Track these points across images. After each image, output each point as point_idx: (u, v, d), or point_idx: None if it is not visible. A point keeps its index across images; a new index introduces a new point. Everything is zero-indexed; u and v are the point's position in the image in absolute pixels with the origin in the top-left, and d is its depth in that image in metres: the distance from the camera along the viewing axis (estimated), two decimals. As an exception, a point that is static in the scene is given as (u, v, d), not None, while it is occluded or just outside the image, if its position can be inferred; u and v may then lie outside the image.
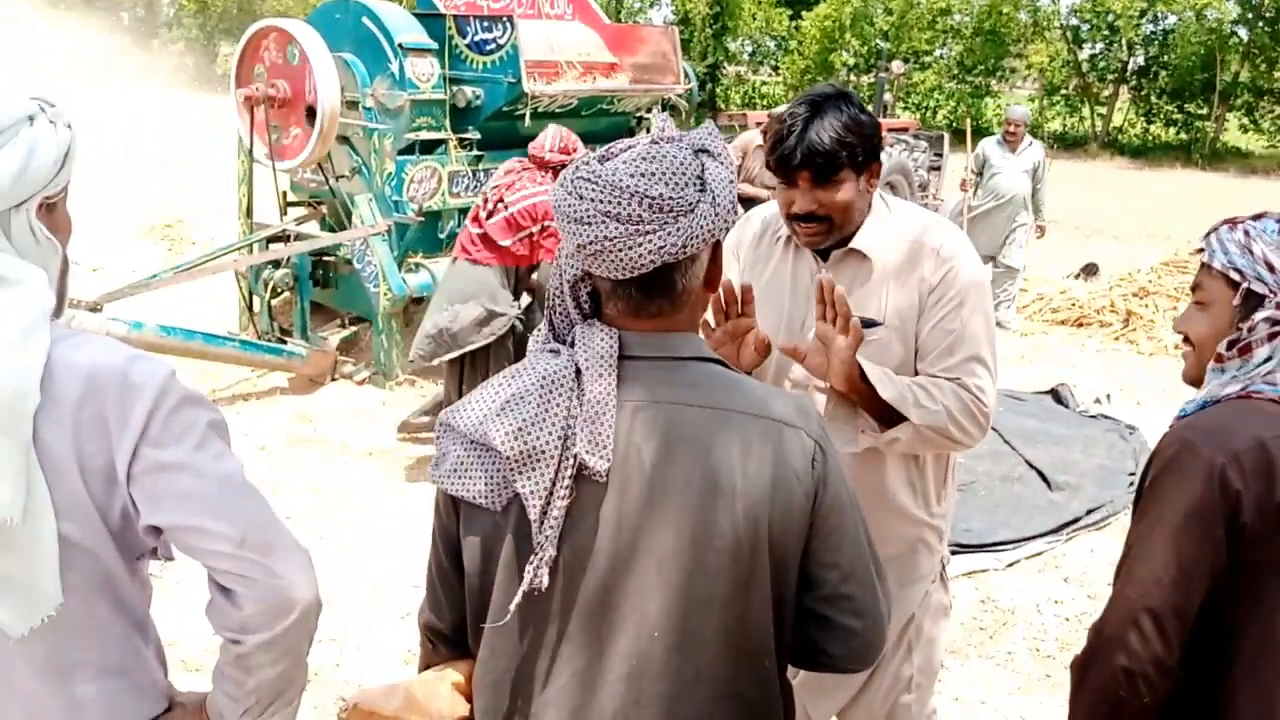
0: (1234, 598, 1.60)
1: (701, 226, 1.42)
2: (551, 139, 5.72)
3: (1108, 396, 7.23)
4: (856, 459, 2.24)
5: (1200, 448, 1.60)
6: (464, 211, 7.37)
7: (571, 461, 1.40)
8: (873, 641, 1.52)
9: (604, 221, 1.39)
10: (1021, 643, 4.20)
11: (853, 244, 2.28)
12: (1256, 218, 1.73)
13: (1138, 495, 1.71)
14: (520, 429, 1.41)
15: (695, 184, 1.42)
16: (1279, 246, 1.69)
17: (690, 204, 1.41)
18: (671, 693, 1.43)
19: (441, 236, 7.34)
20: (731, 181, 1.46)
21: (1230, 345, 1.72)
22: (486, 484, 1.45)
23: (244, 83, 7.12)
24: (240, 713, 1.57)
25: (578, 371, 1.44)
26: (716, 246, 1.51)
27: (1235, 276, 1.72)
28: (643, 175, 1.40)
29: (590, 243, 1.41)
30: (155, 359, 1.51)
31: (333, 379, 6.94)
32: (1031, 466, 5.85)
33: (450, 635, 1.62)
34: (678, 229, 1.40)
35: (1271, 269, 1.69)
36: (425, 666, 1.66)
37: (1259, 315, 1.71)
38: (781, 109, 2.34)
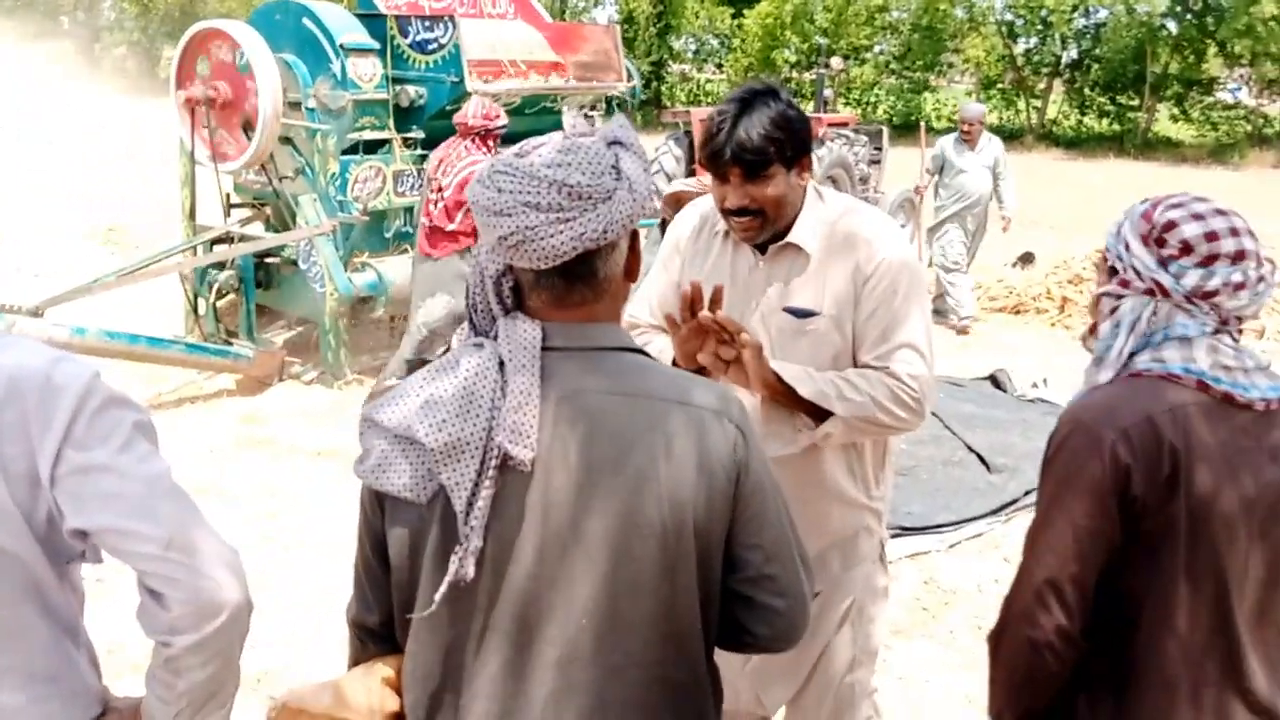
0: (1131, 568, 1.68)
1: (620, 213, 1.45)
2: (474, 105, 5.84)
3: (1044, 381, 7.40)
4: (795, 458, 2.29)
5: (1090, 426, 1.67)
6: (410, 210, 7.39)
7: (496, 452, 1.41)
8: (796, 620, 1.55)
9: (524, 211, 1.42)
10: (963, 622, 4.31)
11: (789, 238, 2.32)
12: (1171, 198, 1.77)
13: (1041, 475, 1.77)
14: (444, 421, 1.42)
15: (611, 172, 1.46)
16: (1137, 226, 1.76)
17: (608, 191, 1.44)
18: (601, 678, 1.45)
19: (388, 236, 7.35)
20: (645, 171, 1.50)
21: (1092, 329, 1.82)
22: (411, 477, 1.45)
23: (184, 85, 7.08)
24: (172, 715, 1.55)
25: (501, 364, 1.46)
26: (634, 236, 1.55)
27: (1109, 256, 1.80)
28: (560, 165, 1.43)
29: (511, 234, 1.43)
30: (79, 360, 1.50)
31: (280, 380, 6.91)
32: (971, 450, 5.99)
33: (379, 631, 1.61)
34: (597, 215, 1.43)
35: (1128, 247, 1.75)
36: (355, 663, 1.65)
37: (1100, 292, 1.81)
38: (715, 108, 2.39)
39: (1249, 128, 28.05)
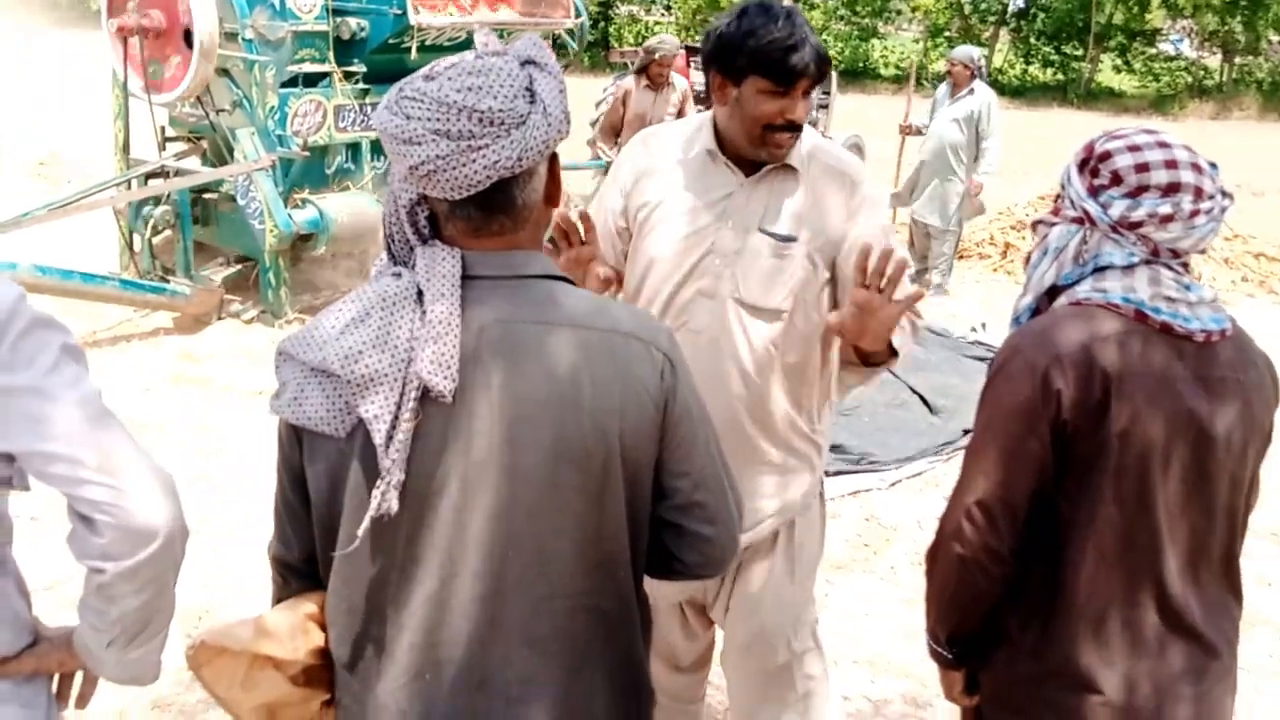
0: (1062, 490, 1.71)
1: (535, 138, 1.40)
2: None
3: (983, 325, 7.51)
4: (746, 370, 2.31)
5: (1026, 352, 1.70)
6: (352, 147, 7.25)
7: (415, 384, 1.37)
8: (727, 545, 1.55)
9: (434, 140, 1.36)
10: (904, 557, 4.38)
11: (787, 160, 2.30)
12: (1119, 130, 1.78)
13: (980, 399, 1.80)
14: (360, 352, 1.38)
15: (525, 95, 1.40)
16: (1078, 156, 1.77)
17: (521, 116, 1.39)
18: (528, 609, 1.43)
19: (329, 172, 7.20)
20: (562, 92, 1.45)
21: (1026, 259, 1.84)
22: (329, 410, 1.41)
23: (116, 13, 6.85)
24: (105, 644, 1.52)
25: (420, 293, 1.41)
26: (553, 160, 1.49)
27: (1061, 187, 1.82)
28: (470, 90, 1.37)
29: (422, 163, 1.37)
30: (3, 282, 1.44)
31: (219, 318, 6.79)
32: (914, 392, 6.06)
33: (300, 567, 1.58)
34: (510, 142, 1.38)
35: (1069, 178, 1.77)
36: (277, 600, 1.62)
37: (1035, 219, 1.84)
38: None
39: (1189, 79, 28.36)
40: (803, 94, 2.23)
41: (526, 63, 1.43)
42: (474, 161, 1.37)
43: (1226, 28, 26.91)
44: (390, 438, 1.38)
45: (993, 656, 1.82)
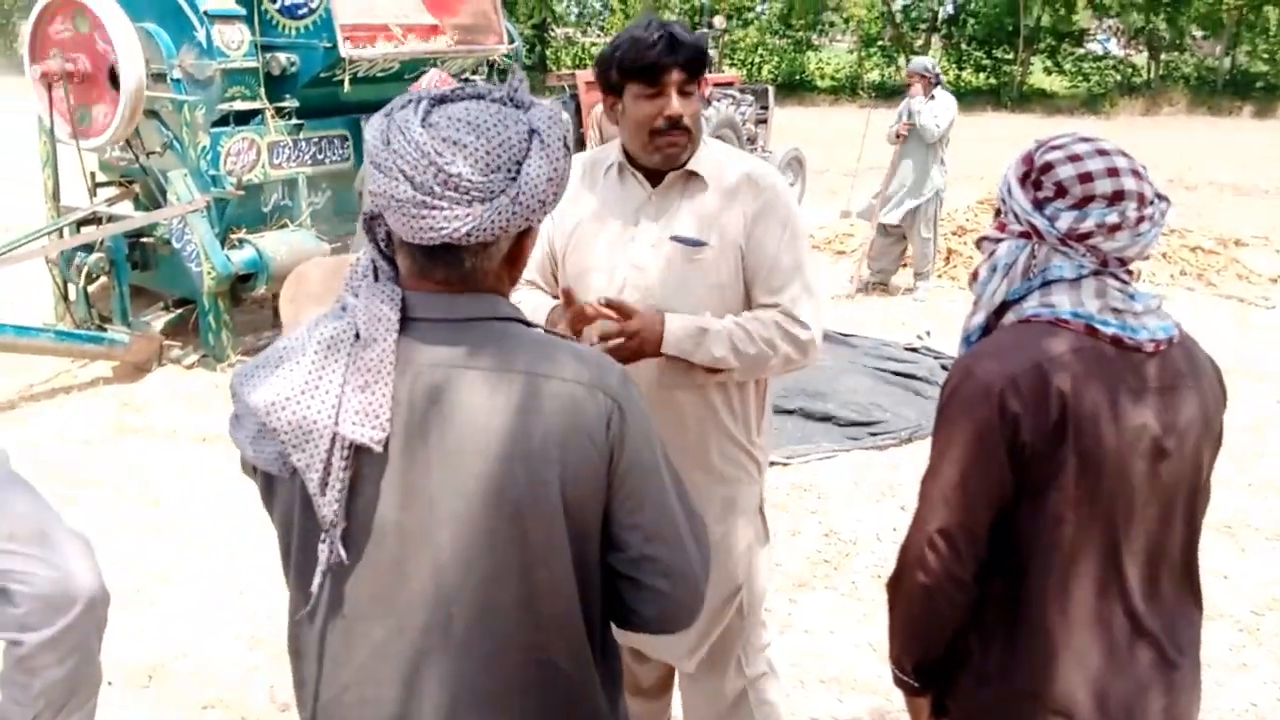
0: (1022, 513, 1.68)
1: (493, 220, 1.33)
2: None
3: (928, 333, 7.56)
4: (683, 390, 2.31)
5: (980, 375, 1.67)
6: (288, 183, 7.16)
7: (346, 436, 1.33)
8: (684, 602, 1.47)
9: (397, 179, 1.32)
10: (864, 571, 4.37)
11: (689, 166, 2.34)
12: (1054, 139, 1.75)
13: (935, 423, 1.77)
14: (288, 400, 1.32)
15: (509, 170, 1.34)
16: (1017, 169, 1.75)
17: (490, 192, 1.33)
18: (478, 665, 1.38)
19: (266, 210, 7.11)
20: (550, 180, 1.37)
21: (975, 274, 1.82)
22: (274, 450, 1.37)
23: (39, 59, 6.72)
24: (31, 719, 1.46)
25: (357, 334, 1.36)
26: (524, 235, 1.43)
27: (998, 200, 1.80)
28: (454, 144, 1.31)
29: (380, 194, 1.34)
30: None
31: (160, 365, 6.66)
32: (851, 399, 6.19)
33: None
34: (467, 214, 1.32)
35: (1010, 191, 1.75)
36: None
37: (981, 236, 1.81)
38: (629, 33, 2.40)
39: (1118, 77, 28.94)
40: (679, 91, 2.25)
41: (534, 132, 1.36)
42: (423, 218, 1.32)
43: (1151, 25, 27.47)
44: (325, 487, 1.33)
45: (959, 680, 1.79)
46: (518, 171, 1.34)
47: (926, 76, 8.38)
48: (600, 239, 2.37)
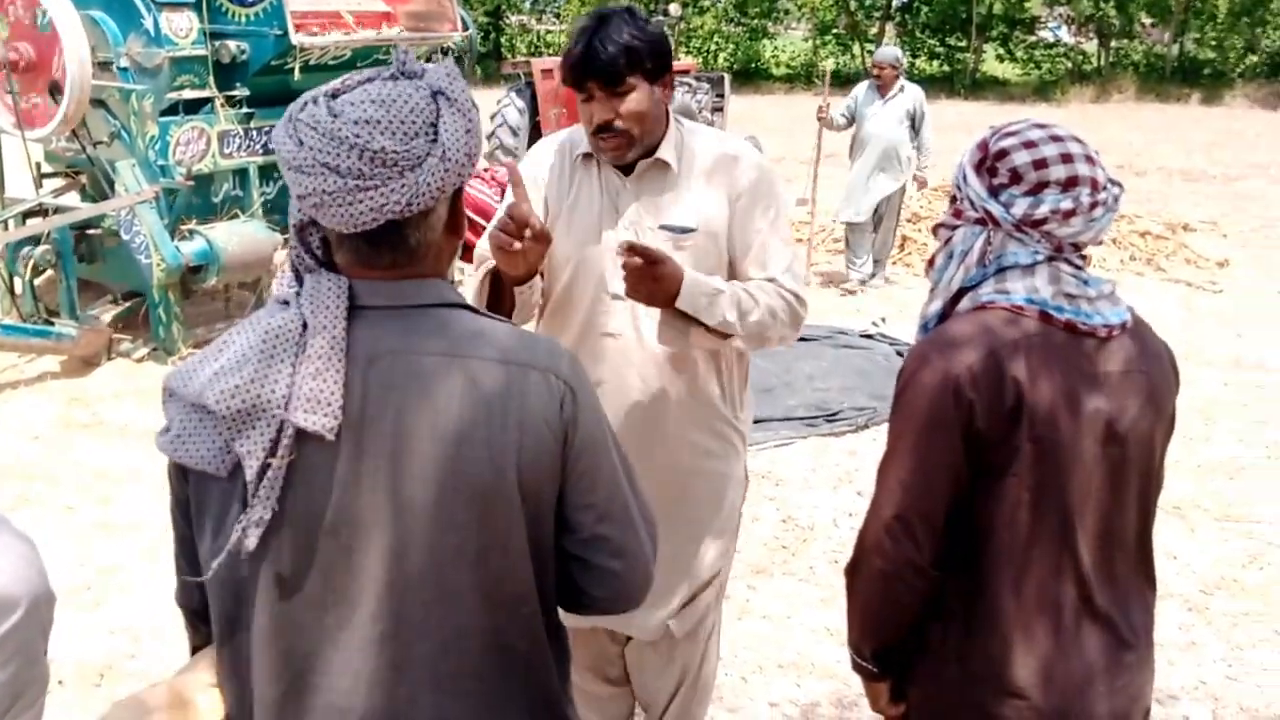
0: (979, 499, 1.69)
1: (428, 183, 1.34)
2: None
3: (883, 319, 7.61)
4: (664, 366, 2.35)
5: (935, 362, 1.68)
6: (239, 173, 7.07)
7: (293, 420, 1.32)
8: (634, 581, 1.49)
9: (322, 173, 1.31)
10: (822, 557, 4.40)
11: (658, 154, 2.34)
12: (1009, 126, 1.76)
13: (891, 410, 1.78)
14: (237, 387, 1.32)
15: (426, 134, 1.34)
16: (973, 156, 1.76)
17: (417, 158, 1.33)
18: (432, 652, 1.37)
19: (216, 200, 7.02)
20: (469, 131, 1.38)
21: (931, 261, 1.83)
22: (210, 448, 1.35)
23: (-20, 46, 6.58)
24: None
25: (305, 325, 1.35)
26: (457, 194, 1.44)
27: (954, 188, 1.81)
28: (367, 123, 1.31)
29: (309, 194, 1.32)
30: None
31: (109, 358, 6.56)
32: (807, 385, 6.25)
33: (206, 612, 1.49)
34: (402, 185, 1.33)
35: (965, 178, 1.76)
36: (194, 649, 1.56)
37: (936, 223, 1.83)
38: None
39: (1069, 65, 29.22)
40: (612, 95, 2.24)
41: (437, 94, 1.36)
42: (360, 202, 1.31)
43: (1101, 13, 27.77)
44: (261, 474, 1.31)
45: (917, 665, 1.80)
46: (435, 133, 1.35)
47: (897, 68, 8.25)
48: (581, 228, 2.37)
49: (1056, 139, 1.70)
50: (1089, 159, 1.69)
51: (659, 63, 2.28)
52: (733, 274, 2.37)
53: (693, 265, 2.29)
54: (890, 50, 8.67)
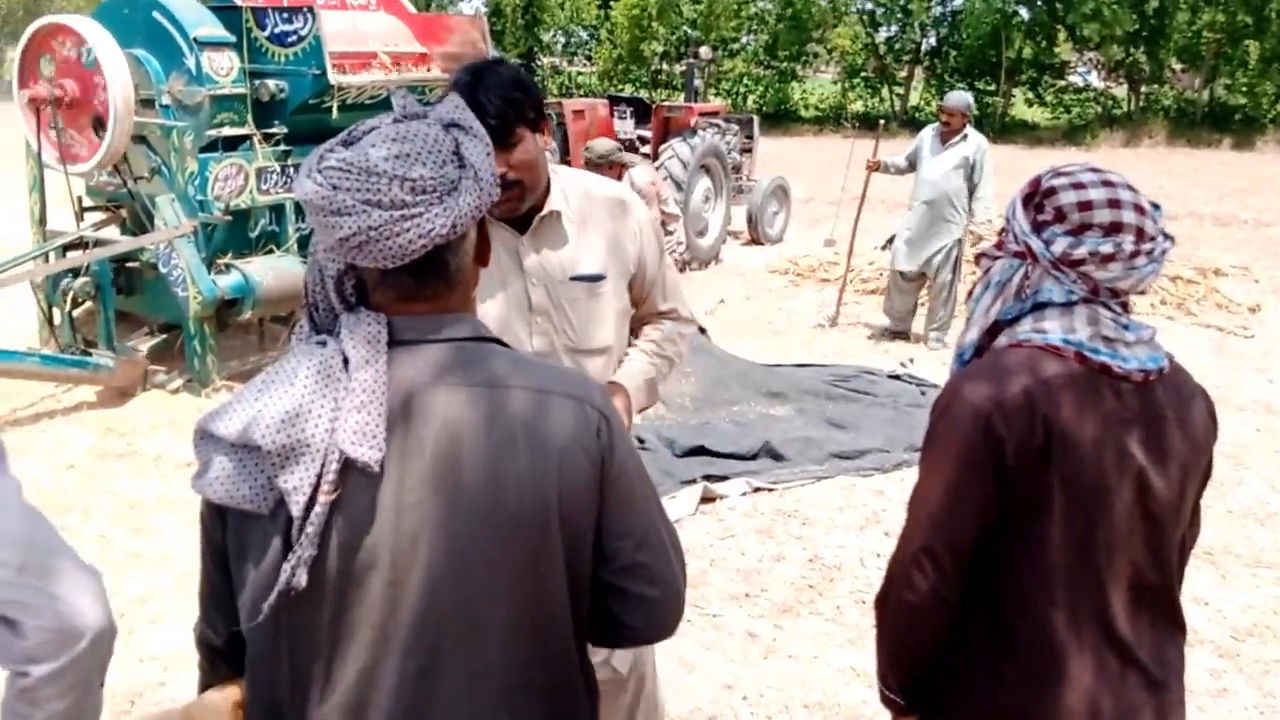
0: (1004, 534, 1.71)
1: (467, 204, 1.38)
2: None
3: (911, 360, 7.60)
4: None
5: (968, 397, 1.69)
6: (275, 209, 7.18)
7: (337, 454, 1.32)
8: (670, 608, 1.51)
9: (365, 210, 1.33)
10: (848, 597, 4.38)
11: (550, 206, 2.35)
12: (1065, 167, 1.78)
13: (923, 443, 1.80)
14: (283, 423, 1.32)
15: (454, 160, 1.38)
16: (1024, 190, 1.78)
17: (453, 182, 1.37)
18: (462, 682, 1.38)
19: (253, 235, 7.13)
20: (488, 154, 1.43)
21: (969, 291, 1.86)
22: (252, 488, 1.35)
23: (28, 84, 6.74)
24: None
25: (346, 360, 1.36)
26: (483, 221, 1.48)
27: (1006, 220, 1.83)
28: (398, 158, 1.35)
29: (353, 234, 1.34)
30: None
31: (144, 389, 6.65)
32: (832, 424, 6.18)
33: (227, 651, 1.51)
34: (444, 209, 1.36)
35: (1015, 211, 1.78)
36: (204, 686, 1.56)
37: (978, 252, 1.85)
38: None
39: (1099, 109, 29.25)
40: (497, 149, 2.16)
41: (450, 126, 1.41)
42: (408, 231, 1.34)
43: (1131, 58, 27.80)
44: (308, 510, 1.32)
45: (945, 699, 1.81)
46: (461, 159, 1.39)
47: (966, 115, 7.85)
48: (496, 302, 2.34)
49: (1108, 184, 1.71)
50: (1138, 208, 1.69)
51: (538, 111, 2.26)
52: (635, 302, 2.53)
53: (602, 311, 2.40)
54: (961, 96, 8.17)
